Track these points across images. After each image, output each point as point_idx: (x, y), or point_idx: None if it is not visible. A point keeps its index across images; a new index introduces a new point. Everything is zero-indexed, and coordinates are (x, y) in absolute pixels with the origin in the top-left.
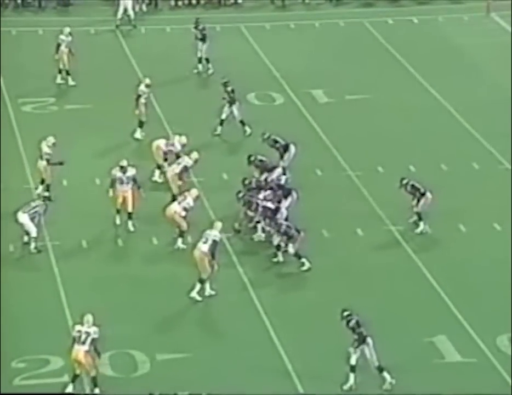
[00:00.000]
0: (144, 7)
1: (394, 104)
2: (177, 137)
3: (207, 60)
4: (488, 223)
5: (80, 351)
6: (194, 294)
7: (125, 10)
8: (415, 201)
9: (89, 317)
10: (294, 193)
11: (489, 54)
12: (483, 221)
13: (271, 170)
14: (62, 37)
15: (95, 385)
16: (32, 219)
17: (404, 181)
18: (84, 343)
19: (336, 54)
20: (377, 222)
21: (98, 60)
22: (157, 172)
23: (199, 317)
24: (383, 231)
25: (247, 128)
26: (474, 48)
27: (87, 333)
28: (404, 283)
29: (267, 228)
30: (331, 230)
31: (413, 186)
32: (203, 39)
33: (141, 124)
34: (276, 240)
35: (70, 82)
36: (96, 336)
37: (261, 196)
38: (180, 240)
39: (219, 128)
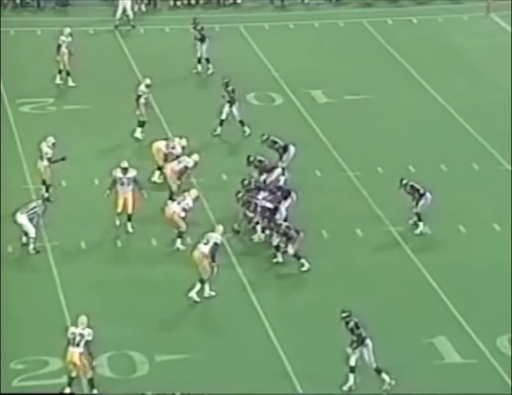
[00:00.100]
0: (143, 8)
1: (393, 104)
2: (177, 139)
3: (207, 60)
4: (487, 224)
5: (75, 353)
6: (193, 294)
7: (124, 10)
8: (414, 202)
9: (83, 319)
10: (293, 194)
11: (489, 54)
12: (482, 222)
13: (270, 170)
14: (62, 37)
15: (93, 387)
16: (31, 220)
17: (404, 182)
18: (78, 345)
19: (336, 54)
20: (377, 223)
21: (97, 60)
22: (157, 173)
23: (198, 318)
24: (382, 231)
25: (246, 128)
26: (474, 48)
27: (82, 335)
28: (404, 284)
29: (267, 231)
30: (331, 230)
31: (412, 186)
32: (202, 39)
33: (142, 124)
34: (275, 240)
35: (70, 83)
36: (90, 338)
37: (260, 196)
38: (179, 241)
39: (219, 129)
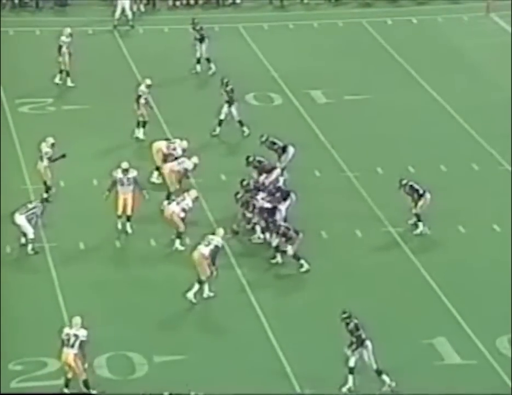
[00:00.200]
0: (142, 8)
1: (393, 105)
2: (178, 141)
3: (208, 59)
4: (487, 224)
5: (69, 354)
6: (190, 295)
7: (123, 10)
8: (413, 202)
9: (77, 320)
10: (292, 195)
11: (489, 54)
12: (482, 223)
13: (269, 171)
14: (63, 38)
15: (88, 388)
16: (29, 221)
17: (403, 182)
18: (72, 346)
19: (335, 54)
20: (376, 223)
21: (96, 61)
22: (156, 173)
23: (197, 318)
24: (382, 232)
25: (245, 129)
26: (473, 48)
27: (76, 336)
28: (404, 284)
29: (265, 234)
30: (330, 231)
31: (411, 187)
32: (201, 40)
33: (143, 125)
34: (275, 241)
35: (69, 83)
36: (84, 339)
37: (259, 197)
38: (177, 241)
39: (217, 129)
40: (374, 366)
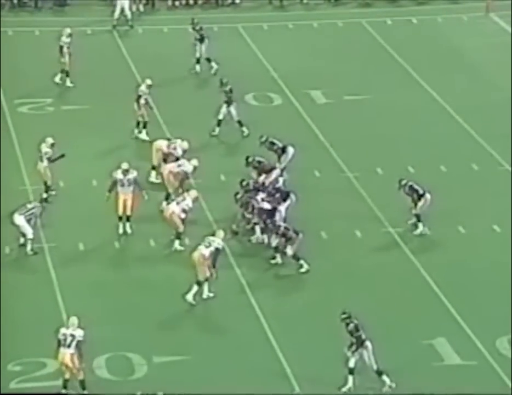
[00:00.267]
0: (141, 8)
1: (393, 105)
2: (179, 141)
3: (208, 59)
4: (487, 225)
5: (66, 354)
6: (189, 296)
7: (122, 10)
8: (414, 203)
9: (73, 320)
10: (292, 196)
11: (489, 54)
12: (482, 223)
13: (269, 171)
14: (64, 39)
15: (84, 388)
16: (28, 221)
17: (403, 183)
18: (69, 346)
19: (335, 54)
20: (376, 224)
21: (95, 61)
22: (153, 173)
23: (196, 319)
24: (382, 232)
25: (245, 129)
26: (473, 48)
27: (73, 336)
28: (403, 285)
29: (264, 236)
30: (330, 231)
31: (411, 187)
32: (201, 40)
33: (144, 125)
34: (274, 241)
35: (68, 83)
36: (81, 339)
37: (258, 197)
38: (177, 242)
39: (217, 129)
40: (374, 367)
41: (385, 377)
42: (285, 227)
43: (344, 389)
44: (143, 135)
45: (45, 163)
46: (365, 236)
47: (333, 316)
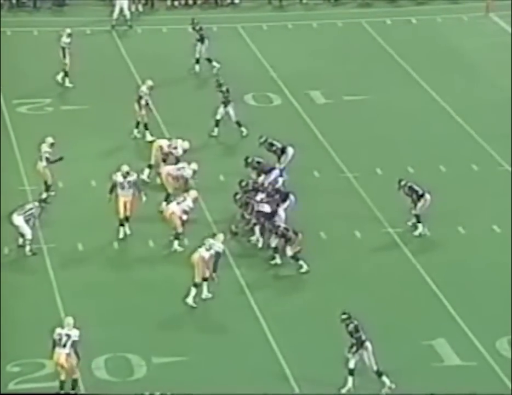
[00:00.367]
0: (140, 8)
1: (392, 105)
2: (179, 141)
3: (209, 60)
4: (487, 225)
5: (61, 354)
6: (190, 300)
7: (121, 10)
8: (413, 203)
9: (69, 320)
10: (291, 197)
11: (488, 55)
12: (482, 223)
13: (268, 172)
14: (64, 39)
15: (74, 388)
16: (27, 222)
17: (402, 183)
18: (64, 346)
19: (334, 54)
20: (376, 224)
21: (94, 61)
22: (147, 171)
23: (195, 320)
24: (381, 233)
25: (243, 129)
26: (473, 49)
27: (68, 336)
28: (403, 285)
29: (260, 238)
30: (329, 232)
31: (410, 187)
32: (201, 40)
33: (145, 126)
34: (274, 242)
35: (67, 84)
36: (76, 339)
37: (258, 198)
38: (176, 242)
39: (215, 130)
40: (374, 368)
41: (384, 378)
42: (285, 228)
43: (344, 390)
44: (147, 137)
45: (44, 163)
46: (365, 237)
47: (333, 316)
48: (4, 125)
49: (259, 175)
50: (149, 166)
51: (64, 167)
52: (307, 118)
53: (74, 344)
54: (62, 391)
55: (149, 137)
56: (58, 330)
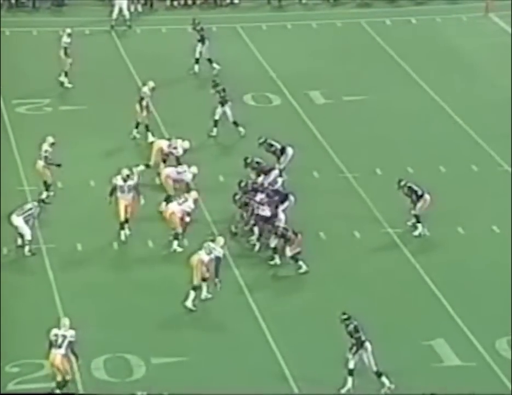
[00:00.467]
0: (139, 8)
1: (392, 105)
2: (179, 141)
3: (209, 60)
4: (487, 226)
5: (57, 355)
6: (189, 304)
7: (120, 11)
8: (413, 203)
9: (65, 321)
10: (291, 198)
11: (488, 55)
12: (482, 224)
13: (267, 172)
14: (65, 39)
15: (61, 388)
16: (26, 222)
17: (402, 183)
18: (60, 346)
19: (334, 54)
20: (375, 224)
21: (93, 61)
22: (141, 167)
23: (195, 320)
24: (381, 233)
25: (241, 129)
26: (473, 49)
27: (64, 337)
28: (403, 286)
29: (258, 243)
30: (329, 232)
31: (410, 188)
32: (202, 40)
33: (147, 128)
34: (273, 242)
35: (67, 84)
36: (72, 339)
37: (257, 198)
38: (175, 243)
39: (214, 130)
40: (374, 368)
41: (384, 378)
42: (284, 228)
43: (343, 390)
44: (149, 138)
45: (43, 162)
46: (364, 237)
47: (332, 317)
48: (3, 126)
49: (258, 175)
50: (147, 165)
51: (63, 167)
52: (307, 119)
53: (70, 345)
54: (59, 392)
55: (151, 138)
56: (54, 331)
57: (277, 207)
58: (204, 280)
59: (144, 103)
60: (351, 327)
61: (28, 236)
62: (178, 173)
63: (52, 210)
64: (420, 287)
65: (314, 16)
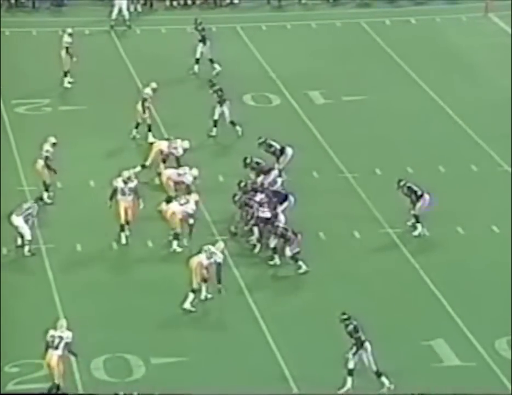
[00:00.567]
0: (139, 8)
1: (391, 105)
2: (179, 141)
3: (211, 60)
4: (486, 226)
5: (53, 356)
6: (187, 305)
7: (120, 11)
8: (412, 203)
9: (62, 322)
10: (290, 198)
11: (488, 55)
12: (481, 224)
13: (267, 172)
14: (66, 39)
15: (49, 392)
16: (26, 222)
17: (401, 183)
18: (57, 347)
19: (333, 54)
20: (375, 225)
21: (92, 61)
22: (138, 168)
23: (194, 320)
24: (380, 233)
25: (238, 128)
26: (472, 49)
27: (60, 338)
28: (402, 286)
29: (258, 244)
30: (328, 232)
31: (409, 188)
32: (203, 40)
33: (149, 128)
34: (273, 242)
35: (66, 84)
36: (69, 340)
37: (257, 198)
38: (175, 243)
39: (214, 130)
40: (374, 368)
41: (383, 378)
42: (284, 228)
43: (343, 390)
44: (150, 138)
45: (43, 162)
46: (364, 237)
47: (332, 317)
48: (3, 126)
49: (257, 175)
50: (143, 166)
51: (63, 167)
52: (306, 119)
53: (67, 346)
54: (60, 392)
55: (151, 139)
56: (51, 332)
57: (275, 208)
58: (204, 280)
59: (147, 104)
60: (351, 327)
61: (28, 236)
62: (179, 175)
63: (52, 211)
64: (420, 287)
65: (313, 16)
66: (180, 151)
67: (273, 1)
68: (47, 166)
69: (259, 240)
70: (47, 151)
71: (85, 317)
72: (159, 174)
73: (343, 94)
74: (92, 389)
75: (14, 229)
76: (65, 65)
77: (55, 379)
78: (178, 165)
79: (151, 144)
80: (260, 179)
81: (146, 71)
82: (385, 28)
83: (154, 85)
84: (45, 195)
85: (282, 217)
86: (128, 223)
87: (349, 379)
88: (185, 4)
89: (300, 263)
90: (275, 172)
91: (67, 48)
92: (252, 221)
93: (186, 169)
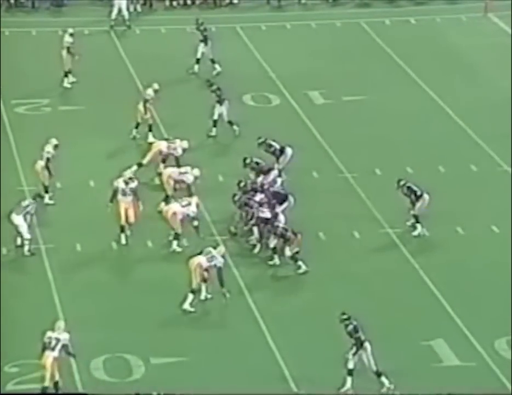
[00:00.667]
0: (139, 8)
1: (391, 105)
2: (178, 141)
3: (212, 60)
4: (486, 226)
5: (49, 357)
6: (187, 306)
7: (120, 11)
8: (412, 203)
9: (60, 324)
10: (290, 198)
11: (487, 55)
12: (481, 224)
13: (267, 172)
14: (67, 39)
15: (42, 392)
16: (25, 219)
17: (401, 183)
18: (53, 349)
19: (333, 54)
20: (375, 225)
21: (92, 61)
22: (134, 167)
23: (194, 320)
24: (380, 233)
25: (235, 127)
26: (472, 49)
27: (57, 340)
28: (402, 286)
29: (259, 244)
30: (328, 232)
31: (409, 188)
32: (204, 41)
33: (150, 128)
34: (272, 242)
35: (66, 84)
36: (66, 342)
37: (257, 198)
38: (175, 243)
39: (213, 130)
40: (374, 368)
41: (383, 378)
42: (283, 228)
43: (343, 390)
44: (150, 138)
45: (42, 162)
46: (363, 237)
47: (331, 317)
48: (3, 126)
49: (257, 175)
50: (139, 164)
51: (63, 167)
52: (306, 119)
53: (64, 348)
54: (60, 392)
55: (151, 139)
56: (48, 333)
57: (274, 208)
58: (204, 281)
59: (148, 105)
60: (351, 327)
61: (27, 236)
62: (181, 173)
63: (52, 211)
64: (420, 287)
65: (313, 16)
66: (179, 151)
67: (273, 1)
68: (47, 168)
69: (258, 240)
70: (48, 152)
71: (85, 317)
72: (159, 174)
73: (343, 94)
74: (92, 389)
75: (14, 228)
76: (66, 65)
77: (46, 382)
78: (178, 165)
79: (151, 143)
80: (259, 179)
81: (145, 71)
82: (384, 28)
83: (156, 86)
84: (46, 197)
85: (281, 217)
86: (128, 223)
87: (349, 379)
88: (185, 4)
89: (300, 263)
90: (275, 172)
91: (68, 48)
92: (252, 221)
93: (188, 168)
